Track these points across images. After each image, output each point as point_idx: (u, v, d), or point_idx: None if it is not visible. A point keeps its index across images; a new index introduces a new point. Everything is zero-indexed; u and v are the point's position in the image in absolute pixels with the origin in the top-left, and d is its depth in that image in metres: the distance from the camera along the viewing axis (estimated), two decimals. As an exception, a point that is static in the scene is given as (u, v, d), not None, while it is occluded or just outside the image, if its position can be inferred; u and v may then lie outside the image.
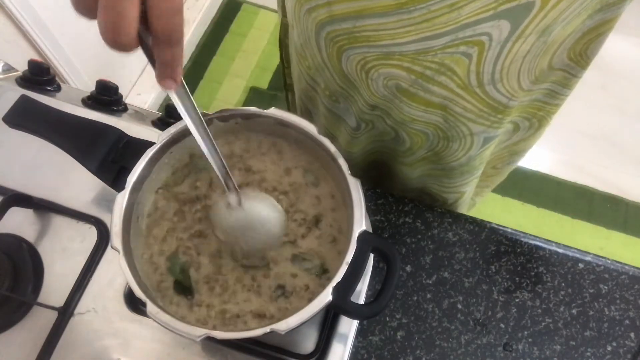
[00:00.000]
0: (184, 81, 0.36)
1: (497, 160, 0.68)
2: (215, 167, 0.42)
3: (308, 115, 0.69)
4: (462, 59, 0.44)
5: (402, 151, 0.61)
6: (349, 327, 0.52)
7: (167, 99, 1.74)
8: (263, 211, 0.45)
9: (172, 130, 0.47)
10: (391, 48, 0.45)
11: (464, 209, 0.74)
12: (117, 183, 0.46)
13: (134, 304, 0.53)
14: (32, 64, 0.66)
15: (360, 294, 0.54)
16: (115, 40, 0.29)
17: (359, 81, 0.51)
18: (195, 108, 0.38)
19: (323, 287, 0.40)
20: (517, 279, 0.58)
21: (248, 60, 1.82)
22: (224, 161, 0.42)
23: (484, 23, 0.40)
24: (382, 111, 0.55)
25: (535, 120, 0.58)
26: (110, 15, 0.28)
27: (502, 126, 0.54)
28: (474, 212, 0.63)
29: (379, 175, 0.70)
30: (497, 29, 0.40)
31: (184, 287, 0.45)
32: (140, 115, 0.65)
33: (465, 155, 0.58)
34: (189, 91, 0.37)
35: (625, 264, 0.59)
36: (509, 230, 0.60)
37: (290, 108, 0.84)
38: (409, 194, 0.69)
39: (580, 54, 0.49)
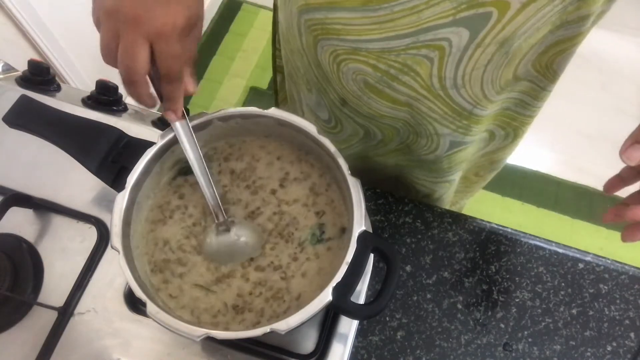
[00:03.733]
0: (187, 117, 0.44)
1: (479, 168, 0.70)
2: (209, 199, 0.46)
3: (292, 100, 0.70)
4: (424, 62, 0.46)
5: (375, 145, 0.63)
6: (349, 327, 0.52)
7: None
8: (247, 239, 0.47)
9: (173, 130, 0.47)
10: (358, 44, 0.46)
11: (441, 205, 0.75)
12: (117, 183, 0.46)
13: (134, 304, 0.53)
14: (32, 64, 0.66)
15: (360, 294, 0.54)
16: (130, 80, 0.38)
17: (331, 73, 0.52)
18: (195, 144, 0.45)
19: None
20: (517, 279, 0.58)
21: (248, 60, 1.82)
22: (217, 195, 0.46)
23: (443, 28, 0.42)
24: (351, 109, 0.56)
25: (510, 129, 0.60)
26: (126, 59, 0.37)
27: (470, 133, 0.55)
28: (474, 212, 0.63)
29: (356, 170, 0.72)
30: (456, 35, 0.42)
31: None
32: (140, 115, 0.65)
33: (433, 154, 0.60)
34: (191, 128, 0.45)
35: (625, 264, 0.59)
36: (509, 230, 0.60)
37: (279, 90, 0.86)
38: (385, 182, 0.71)
39: (546, 67, 0.50)
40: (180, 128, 0.44)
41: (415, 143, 0.59)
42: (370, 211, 0.60)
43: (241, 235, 0.47)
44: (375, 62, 0.48)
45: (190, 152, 0.45)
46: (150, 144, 0.47)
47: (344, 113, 0.58)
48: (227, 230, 0.47)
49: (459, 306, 0.56)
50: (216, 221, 0.47)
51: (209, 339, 0.39)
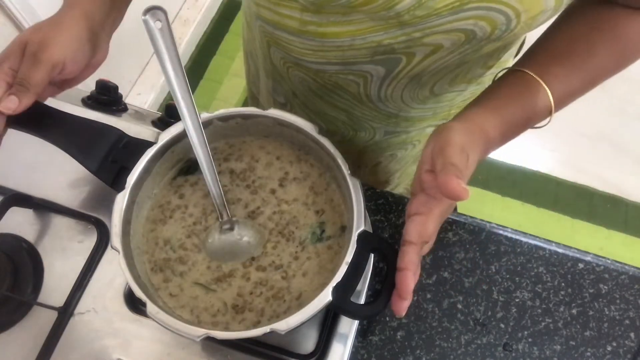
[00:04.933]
0: (197, 113, 0.43)
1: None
2: (215, 197, 0.46)
3: (253, 77, 0.76)
4: (352, 83, 0.54)
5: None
6: (349, 327, 0.52)
7: (167, 98, 1.74)
8: (249, 238, 0.48)
9: (173, 129, 0.47)
10: (300, 61, 0.53)
11: (386, 175, 0.83)
12: (117, 183, 0.46)
13: (134, 304, 0.53)
14: (32, 64, 0.66)
15: (360, 294, 0.54)
16: None
17: (282, 72, 0.59)
18: (204, 140, 0.43)
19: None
20: (517, 279, 0.58)
21: (248, 60, 1.82)
22: (222, 193, 0.46)
23: (364, 65, 0.49)
24: (300, 102, 0.64)
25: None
26: None
27: (400, 126, 0.65)
28: (474, 212, 0.63)
29: None
30: (375, 70, 0.50)
31: None
32: (140, 115, 0.65)
33: (372, 140, 0.69)
34: (201, 123, 0.43)
35: (625, 264, 0.59)
36: (509, 230, 0.60)
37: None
38: None
39: (469, 81, 0.57)
40: (190, 123, 0.43)
41: (355, 137, 0.68)
42: (370, 211, 0.60)
43: (244, 234, 0.47)
44: (314, 76, 0.55)
45: (199, 147, 0.44)
46: (150, 144, 0.47)
47: (296, 102, 0.65)
48: (231, 229, 0.47)
49: (459, 306, 0.56)
50: (220, 220, 0.47)
51: (209, 339, 0.39)
